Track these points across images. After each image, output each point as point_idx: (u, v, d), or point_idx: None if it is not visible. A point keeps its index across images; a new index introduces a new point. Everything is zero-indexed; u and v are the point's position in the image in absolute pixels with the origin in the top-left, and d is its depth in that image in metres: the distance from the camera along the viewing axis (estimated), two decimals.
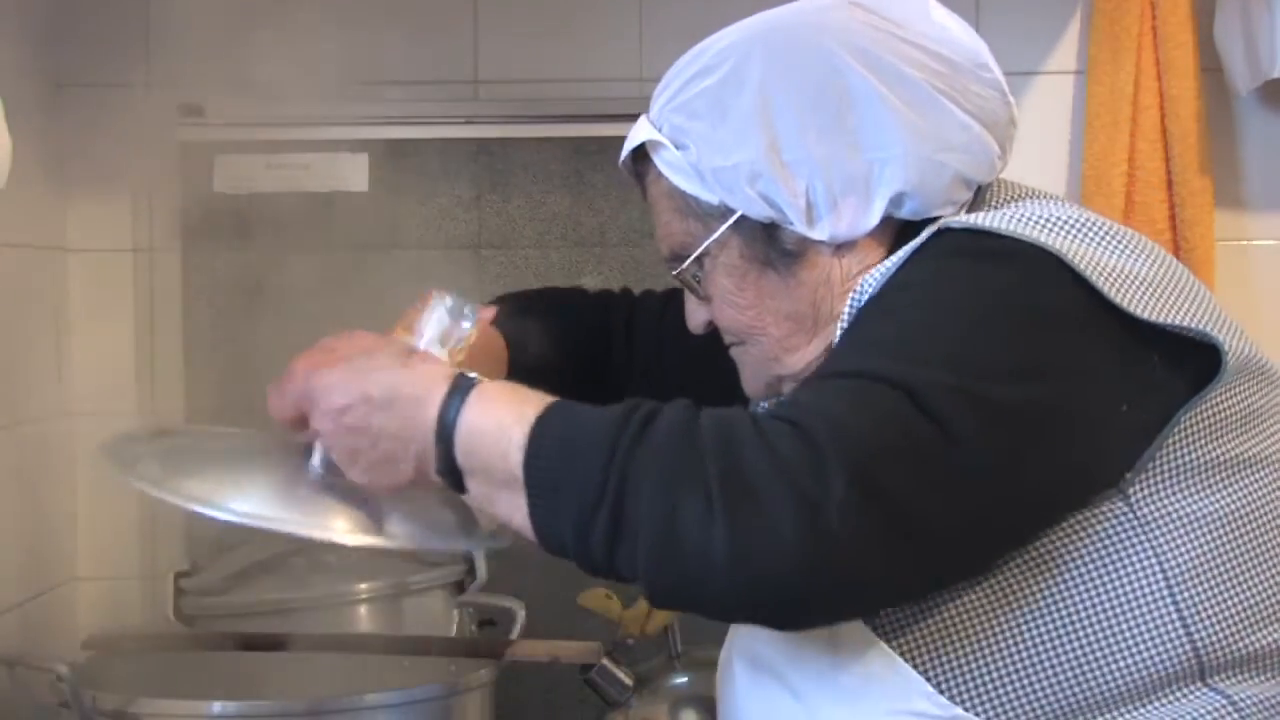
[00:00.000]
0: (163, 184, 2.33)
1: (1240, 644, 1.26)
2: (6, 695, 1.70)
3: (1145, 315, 1.24)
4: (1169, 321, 1.24)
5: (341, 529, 1.37)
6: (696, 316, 1.50)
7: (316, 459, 1.39)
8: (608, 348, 1.76)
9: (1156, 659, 1.24)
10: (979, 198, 1.41)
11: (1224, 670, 1.26)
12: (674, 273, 1.47)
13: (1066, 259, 1.23)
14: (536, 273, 2.32)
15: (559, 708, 2.17)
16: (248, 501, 1.45)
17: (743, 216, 1.40)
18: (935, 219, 1.36)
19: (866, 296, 1.30)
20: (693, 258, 1.44)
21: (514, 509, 1.23)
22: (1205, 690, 1.26)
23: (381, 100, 2.34)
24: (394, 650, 1.87)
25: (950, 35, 1.39)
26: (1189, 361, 1.26)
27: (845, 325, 1.31)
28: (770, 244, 1.40)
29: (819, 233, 1.38)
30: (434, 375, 1.30)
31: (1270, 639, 1.27)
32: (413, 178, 2.32)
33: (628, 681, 2.01)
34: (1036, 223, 1.27)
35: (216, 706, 1.62)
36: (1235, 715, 1.25)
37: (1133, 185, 2.24)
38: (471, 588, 2.09)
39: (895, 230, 1.39)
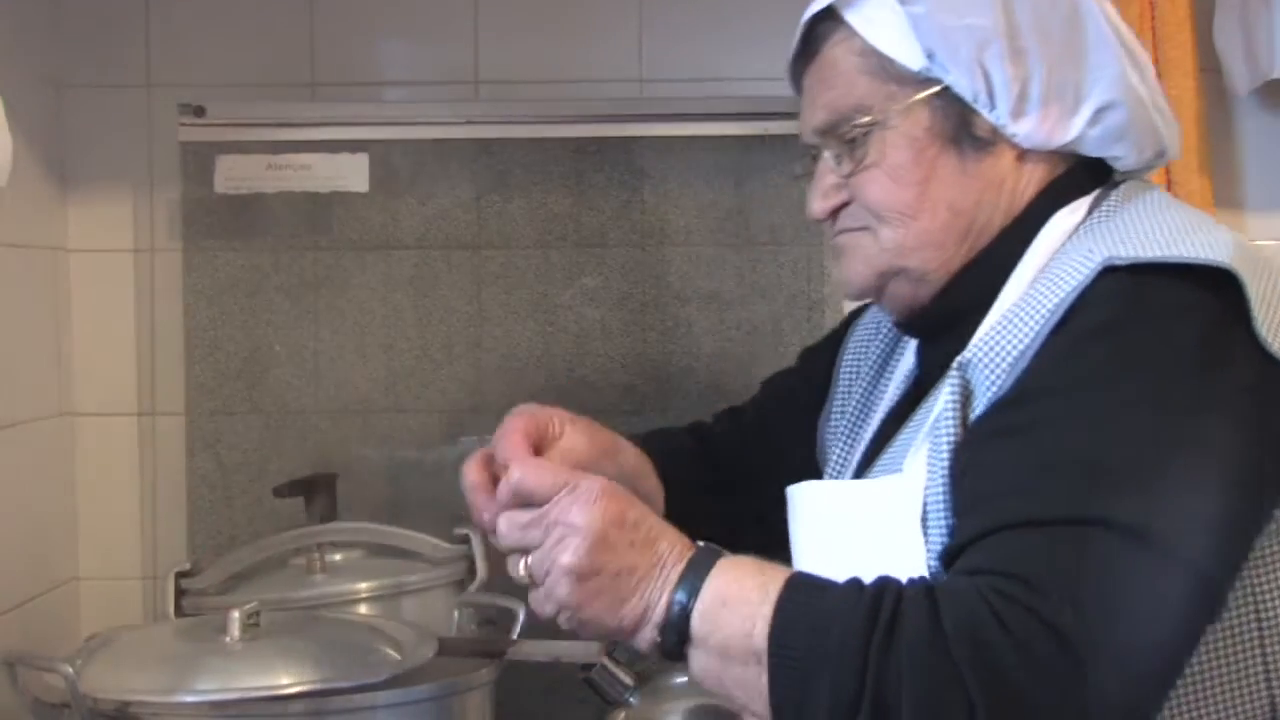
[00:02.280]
0: (164, 184, 2.33)
1: None
2: (8, 694, 1.69)
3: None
4: None
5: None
6: (831, 199, 1.44)
7: (522, 568, 1.33)
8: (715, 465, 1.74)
9: (1237, 705, 1.23)
10: (1106, 194, 1.38)
11: None
12: (833, 134, 1.41)
13: (1246, 294, 1.21)
14: (537, 273, 2.32)
15: (559, 707, 2.16)
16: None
17: (944, 89, 1.37)
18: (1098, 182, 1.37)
19: (1031, 331, 1.25)
20: (865, 120, 1.38)
21: (745, 684, 1.22)
22: None
23: (382, 101, 2.34)
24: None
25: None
26: None
27: (1005, 364, 1.26)
28: (963, 124, 1.37)
29: (1020, 126, 1.36)
30: (683, 538, 1.29)
31: None
32: (413, 178, 2.32)
33: (628, 681, 2.00)
34: (1200, 236, 1.26)
35: (214, 701, 1.61)
36: None
37: None
38: (472, 587, 2.08)
39: (1063, 170, 1.39)
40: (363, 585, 2.04)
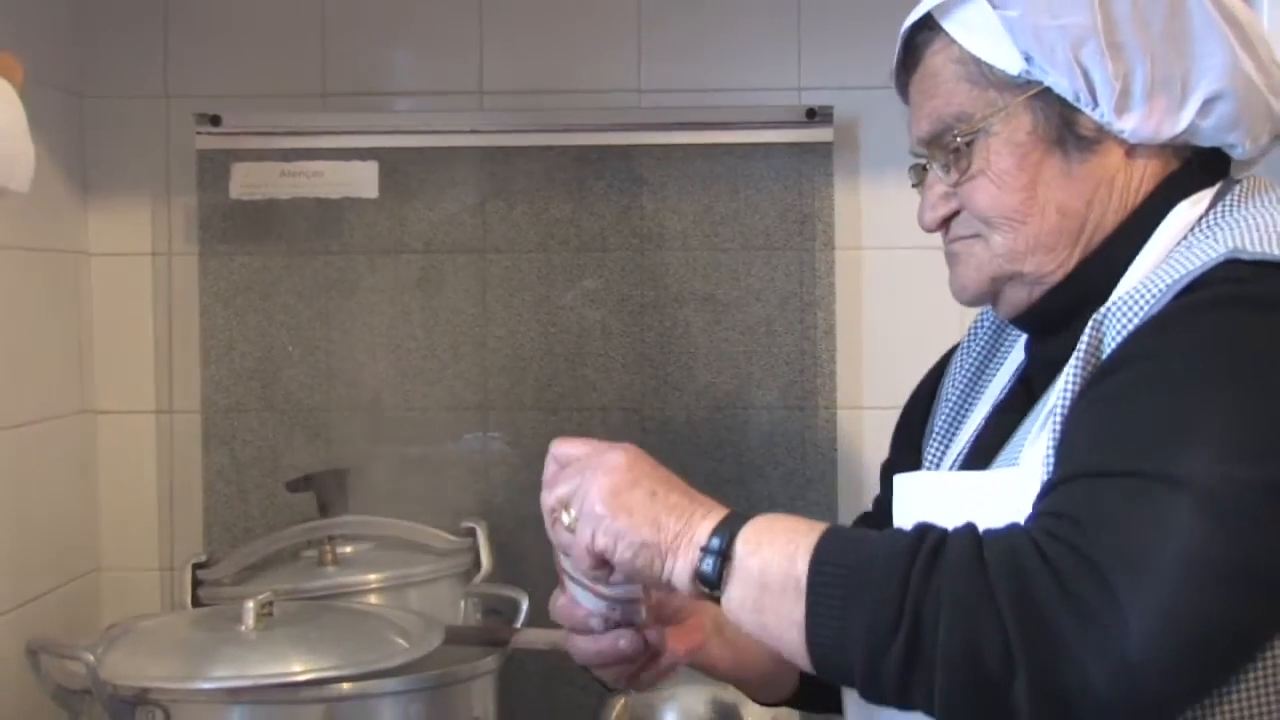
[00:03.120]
0: (181, 190, 2.33)
1: None
2: (32, 681, 1.70)
3: None
4: None
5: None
6: (940, 209, 1.40)
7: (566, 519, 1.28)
8: None
9: None
10: (1230, 186, 1.34)
11: None
12: (939, 143, 1.37)
13: None
14: (539, 276, 2.32)
15: (561, 694, 2.17)
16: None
17: (1044, 91, 1.32)
18: (1216, 173, 1.33)
19: (1148, 305, 1.21)
20: (969, 128, 1.34)
21: (781, 614, 1.17)
22: None
23: (391, 110, 2.35)
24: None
25: (1250, 15, 1.36)
26: None
27: (1116, 338, 1.22)
28: (1065, 125, 1.32)
29: (1126, 122, 1.31)
30: (707, 499, 1.25)
31: None
32: (421, 184, 2.32)
33: None
34: None
35: (230, 688, 1.62)
36: None
37: None
38: (477, 578, 2.09)
39: (1178, 165, 1.34)
40: (372, 576, 2.05)
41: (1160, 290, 1.21)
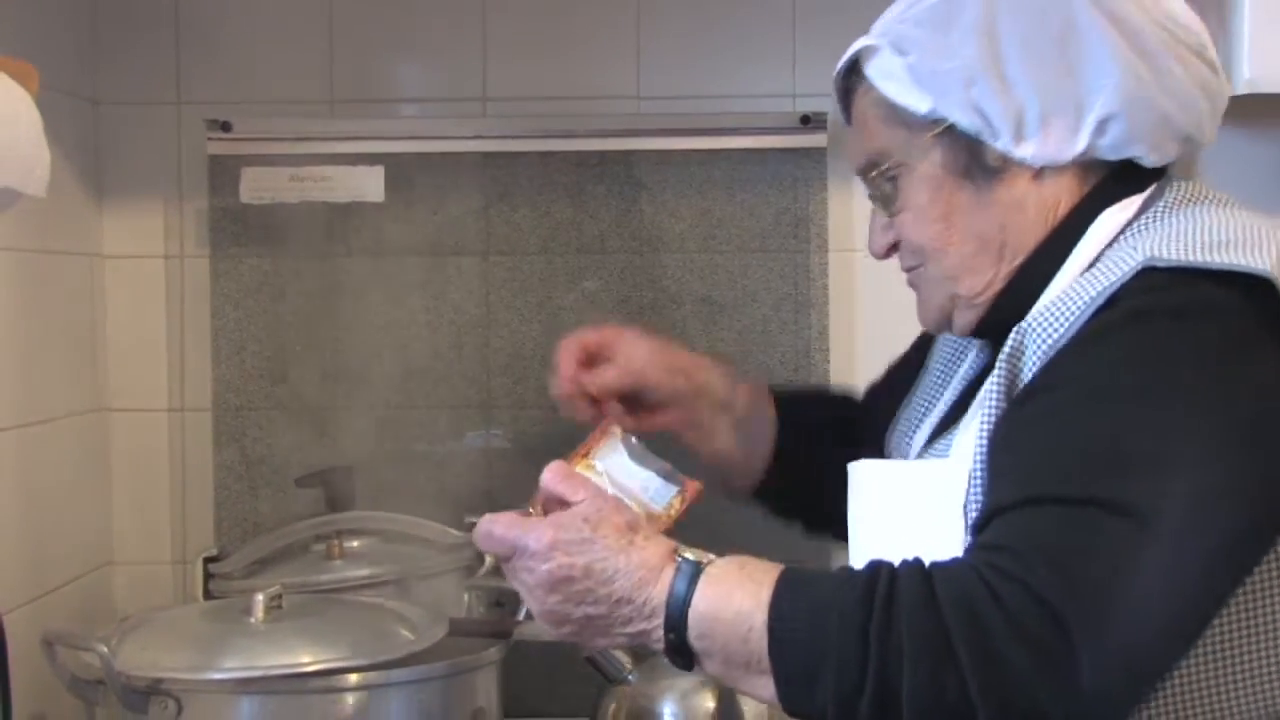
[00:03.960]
0: (192, 194, 2.33)
1: None
2: (47, 672, 1.70)
3: None
4: None
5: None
6: (880, 240, 1.46)
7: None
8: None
9: (1243, 706, 1.21)
10: (1160, 192, 1.37)
11: None
12: (868, 178, 1.44)
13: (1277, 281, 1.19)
14: (541, 278, 2.33)
15: (563, 685, 2.17)
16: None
17: (949, 128, 1.37)
18: (1131, 182, 1.34)
19: (1069, 321, 1.24)
20: (891, 164, 1.40)
21: (760, 688, 1.21)
22: None
23: (397, 117, 2.35)
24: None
25: (1180, 18, 1.37)
26: None
27: (1037, 350, 1.25)
28: (972, 158, 1.37)
29: (1024, 150, 1.35)
30: (659, 556, 1.25)
31: None
32: (425, 189, 2.32)
33: (627, 660, 2.02)
34: (1247, 245, 1.23)
35: (241, 681, 1.62)
36: None
37: None
38: (481, 572, 2.09)
39: (1089, 181, 1.36)
40: (378, 570, 2.05)
41: (1081, 305, 1.24)
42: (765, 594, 1.20)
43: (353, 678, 1.66)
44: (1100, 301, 1.23)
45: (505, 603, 2.02)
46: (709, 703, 1.98)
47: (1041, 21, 1.34)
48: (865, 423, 1.70)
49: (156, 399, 2.34)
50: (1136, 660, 1.14)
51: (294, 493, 2.23)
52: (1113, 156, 1.36)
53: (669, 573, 1.24)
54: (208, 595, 2.10)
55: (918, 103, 1.37)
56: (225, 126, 2.28)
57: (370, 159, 2.30)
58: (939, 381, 1.56)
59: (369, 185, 2.30)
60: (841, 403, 1.83)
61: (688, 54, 2.31)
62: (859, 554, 1.38)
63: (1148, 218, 1.35)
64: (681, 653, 1.24)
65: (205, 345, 2.33)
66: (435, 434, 2.33)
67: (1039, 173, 1.36)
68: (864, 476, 1.43)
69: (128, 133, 2.32)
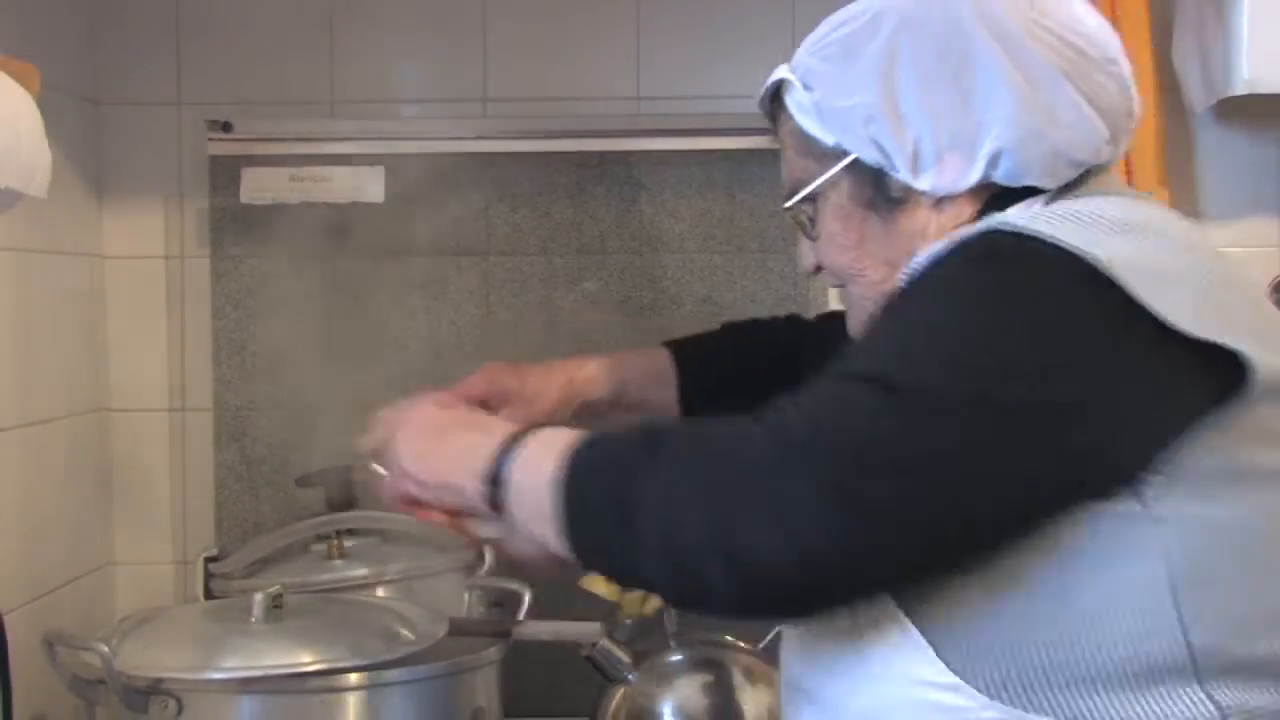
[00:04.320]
0: (193, 195, 2.34)
1: (1237, 652, 1.21)
2: (48, 672, 1.70)
3: (1178, 323, 1.19)
4: (1202, 335, 1.19)
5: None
6: (807, 259, 1.49)
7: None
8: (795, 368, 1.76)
9: (1151, 654, 1.20)
10: (1078, 183, 1.37)
11: (1218, 676, 1.21)
12: (786, 208, 1.47)
13: (1102, 266, 1.19)
14: (541, 278, 2.33)
15: (562, 684, 2.17)
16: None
17: (856, 160, 1.39)
18: (1034, 192, 1.34)
19: (912, 276, 1.28)
20: (805, 194, 1.43)
21: (548, 535, 1.28)
22: (1197, 693, 1.21)
23: (397, 117, 2.35)
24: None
25: (1086, 28, 1.37)
26: (1221, 369, 1.20)
27: (885, 304, 1.31)
28: (876, 189, 1.39)
29: (922, 183, 1.36)
30: (502, 427, 1.37)
31: (1266, 649, 1.22)
32: (426, 189, 2.32)
33: (626, 660, 2.01)
34: (1087, 221, 1.24)
35: (242, 681, 1.62)
36: None
37: None
38: (481, 571, 2.09)
39: (988, 199, 1.37)
40: (378, 570, 2.04)
41: (931, 254, 1.28)
42: (568, 447, 1.28)
43: (353, 678, 1.66)
44: (945, 250, 1.27)
45: (505, 602, 2.02)
46: (709, 702, 1.98)
47: (939, 54, 1.35)
48: (809, 342, 1.76)
49: (157, 399, 2.35)
50: (866, 516, 1.15)
51: (294, 492, 2.23)
52: (1010, 183, 1.37)
53: (507, 436, 1.34)
54: (208, 595, 2.09)
55: (826, 135, 1.40)
56: (226, 127, 2.27)
57: (370, 159, 2.30)
58: None
59: (369, 186, 2.30)
60: (767, 337, 1.85)
61: (688, 54, 2.31)
62: None
63: (1038, 209, 1.34)
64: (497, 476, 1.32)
65: (206, 345, 2.33)
66: None
67: (938, 202, 1.38)
68: None
69: (129, 133, 2.32)
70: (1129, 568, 1.21)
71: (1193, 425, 1.20)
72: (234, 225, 2.32)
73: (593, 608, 2.08)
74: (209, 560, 2.13)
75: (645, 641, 2.08)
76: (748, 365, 1.80)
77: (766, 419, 1.20)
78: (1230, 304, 1.25)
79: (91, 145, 2.30)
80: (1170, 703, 1.21)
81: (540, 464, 1.28)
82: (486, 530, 1.38)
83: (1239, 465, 1.22)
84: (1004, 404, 1.17)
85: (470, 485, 1.34)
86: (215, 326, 2.33)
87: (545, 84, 2.32)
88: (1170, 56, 2.25)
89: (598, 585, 2.09)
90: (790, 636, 1.38)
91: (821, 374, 1.25)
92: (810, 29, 1.47)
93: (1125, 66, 1.39)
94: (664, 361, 1.80)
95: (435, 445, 1.42)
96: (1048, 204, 1.34)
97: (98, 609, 2.25)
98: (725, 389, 1.78)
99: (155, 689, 1.62)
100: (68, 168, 2.14)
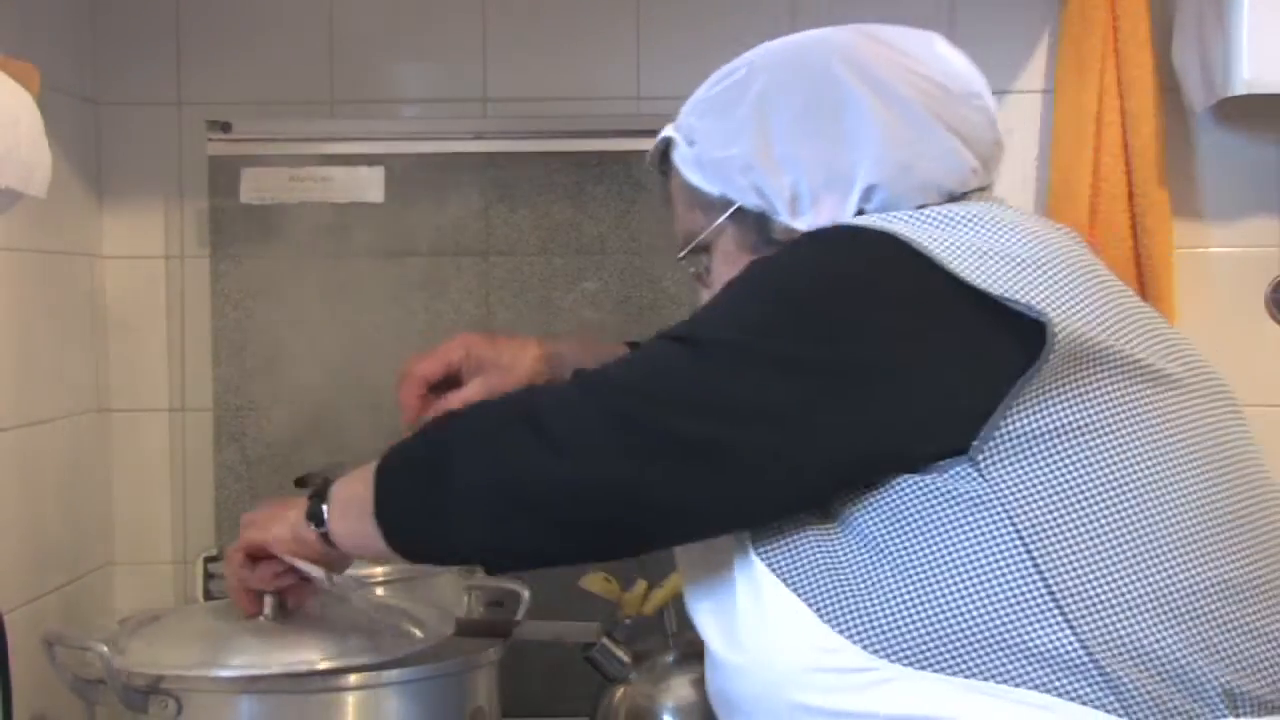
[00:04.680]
0: (193, 195, 2.33)
1: (1124, 631, 1.21)
2: (48, 672, 1.70)
3: (982, 286, 1.25)
4: (1005, 295, 1.25)
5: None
6: (704, 300, 1.50)
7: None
8: None
9: (1025, 627, 1.22)
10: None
11: (1110, 654, 1.21)
12: (680, 259, 1.52)
13: (905, 237, 1.27)
14: (541, 278, 2.33)
15: (562, 684, 2.17)
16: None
17: (739, 208, 1.44)
18: None
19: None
20: (695, 245, 1.48)
21: (361, 520, 1.43)
22: (1090, 667, 1.21)
23: (397, 117, 2.35)
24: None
25: (951, 67, 1.44)
26: (1030, 336, 1.25)
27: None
28: (760, 233, 1.44)
29: (802, 224, 1.41)
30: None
31: (1159, 636, 1.22)
32: (426, 189, 2.32)
33: (626, 659, 2.01)
34: (921, 217, 1.32)
35: (241, 680, 1.62)
36: (1116, 703, 1.20)
37: (1096, 197, 2.24)
38: (480, 571, 2.09)
39: None
40: (379, 570, 2.04)
41: None
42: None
43: (353, 677, 1.66)
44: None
45: (505, 602, 2.01)
46: (707, 703, 1.98)
47: (811, 101, 1.41)
48: None
49: (157, 399, 2.34)
50: (639, 446, 1.26)
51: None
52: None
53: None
54: (208, 595, 2.09)
55: (709, 187, 1.46)
56: (225, 127, 2.27)
57: (370, 159, 2.29)
58: None
59: (369, 186, 2.30)
60: None
61: (687, 54, 2.30)
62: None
63: None
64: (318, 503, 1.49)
65: (205, 345, 2.33)
66: None
67: None
68: None
69: (128, 133, 2.32)
70: (979, 537, 1.24)
71: (1009, 388, 1.24)
72: (234, 225, 2.31)
73: (592, 607, 2.08)
74: (209, 560, 2.12)
75: (645, 641, 2.07)
76: None
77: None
78: (1041, 269, 1.29)
79: (91, 145, 2.29)
80: (1063, 681, 1.21)
81: (359, 474, 1.43)
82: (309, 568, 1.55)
83: (1054, 424, 1.25)
84: (798, 358, 1.25)
85: (294, 513, 1.52)
86: (215, 326, 2.32)
87: (545, 84, 2.32)
88: (1170, 57, 2.25)
89: (598, 585, 2.09)
90: (699, 612, 1.41)
91: None
92: (812, 28, 1.48)
93: (990, 101, 1.45)
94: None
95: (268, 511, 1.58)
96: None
97: (97, 608, 2.25)
98: None
99: (155, 688, 1.61)
100: (67, 168, 2.14)
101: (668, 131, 1.52)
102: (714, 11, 2.32)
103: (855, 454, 1.27)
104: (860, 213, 1.39)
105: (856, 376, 1.25)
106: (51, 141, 1.67)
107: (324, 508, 1.48)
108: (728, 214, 1.45)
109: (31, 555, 2.03)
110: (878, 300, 1.28)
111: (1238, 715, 1.22)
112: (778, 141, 1.41)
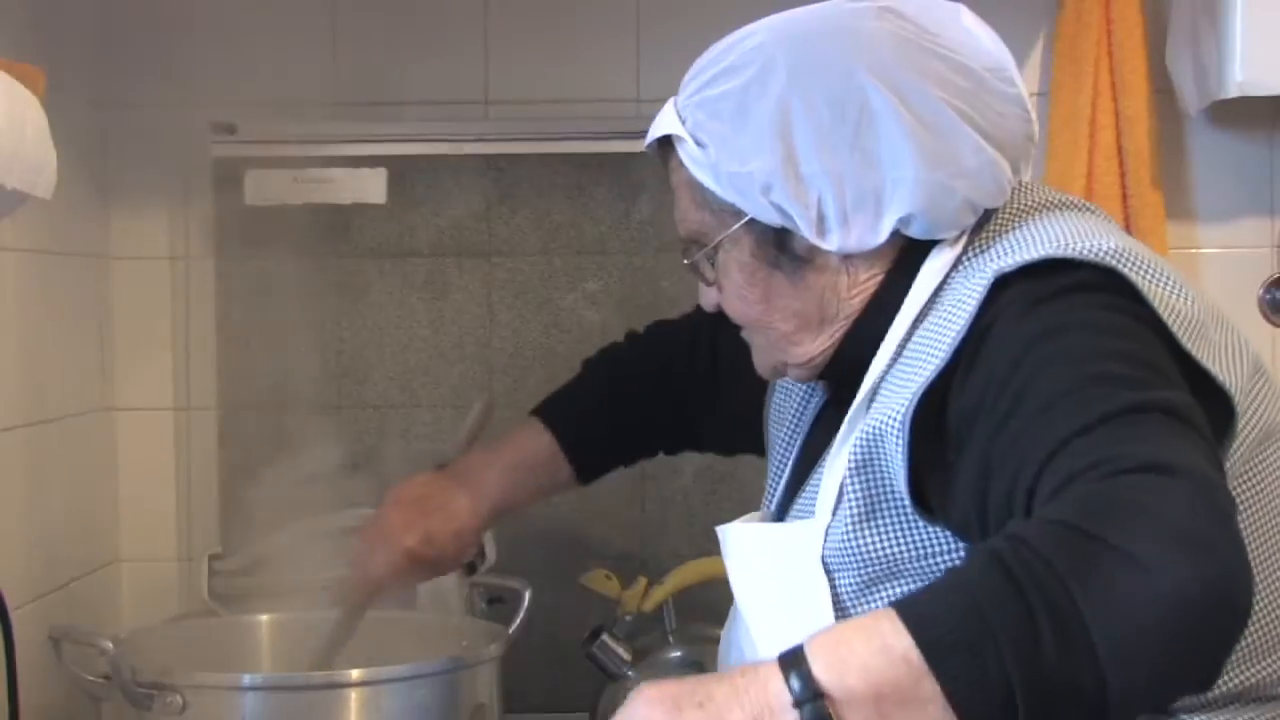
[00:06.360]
0: (197, 197, 2.33)
1: (1233, 679, 1.21)
2: (54, 668, 1.70)
3: (1196, 354, 1.21)
4: (1213, 369, 1.21)
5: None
6: (708, 298, 1.44)
7: None
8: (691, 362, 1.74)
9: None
10: (980, 225, 1.34)
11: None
12: (686, 260, 1.43)
13: (1140, 290, 1.21)
14: (542, 278, 2.32)
15: (563, 681, 2.17)
16: None
17: (754, 220, 1.34)
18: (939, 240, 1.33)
19: (943, 357, 1.22)
20: (707, 246, 1.39)
21: (914, 706, 1.03)
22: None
23: (399, 119, 2.34)
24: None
25: (979, 44, 1.33)
26: (1209, 406, 1.19)
27: (893, 395, 1.25)
28: (780, 248, 1.34)
29: (828, 244, 1.32)
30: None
31: (1261, 674, 1.22)
32: (428, 191, 2.32)
33: (626, 656, 2.01)
34: (1091, 252, 1.23)
35: (245, 678, 1.62)
36: None
37: (1091, 198, 2.23)
38: (482, 569, 2.09)
39: (902, 245, 1.34)
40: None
41: (947, 344, 1.22)
42: (880, 616, 1.07)
43: (354, 674, 1.66)
44: (967, 328, 1.21)
45: (506, 599, 2.01)
46: None
47: (836, 112, 1.30)
48: (676, 351, 1.74)
49: (162, 398, 2.34)
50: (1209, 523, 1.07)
51: (297, 492, 2.22)
52: (920, 237, 1.33)
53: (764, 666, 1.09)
54: (212, 592, 2.09)
55: (724, 195, 1.35)
56: (230, 129, 2.27)
57: (373, 161, 2.29)
58: (789, 435, 1.53)
59: (372, 187, 2.30)
60: (631, 362, 1.78)
61: (688, 56, 2.28)
62: (744, 608, 1.41)
63: (977, 247, 1.32)
64: (814, 700, 1.05)
65: (210, 345, 2.33)
66: (437, 432, 2.31)
67: (847, 257, 1.34)
68: (735, 539, 1.44)
69: (133, 135, 2.31)
70: None
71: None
72: (238, 227, 2.31)
73: (593, 604, 2.08)
74: (213, 558, 2.12)
75: (645, 638, 2.08)
76: (625, 401, 1.74)
77: (1132, 463, 1.08)
78: (1223, 338, 1.29)
79: (97, 148, 2.29)
80: None
81: (867, 652, 1.04)
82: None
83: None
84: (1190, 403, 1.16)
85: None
86: (219, 326, 2.32)
87: (546, 85, 2.32)
88: (1164, 60, 2.25)
89: (598, 582, 2.09)
90: (748, 635, 1.36)
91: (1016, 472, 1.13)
92: None
93: (1021, 84, 1.35)
94: (537, 440, 1.73)
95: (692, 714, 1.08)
96: (983, 232, 1.33)
97: (103, 606, 2.24)
98: (614, 435, 1.74)
99: (160, 685, 1.61)
100: (73, 170, 2.12)
101: (672, 126, 1.38)
102: (714, 13, 2.30)
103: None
104: (895, 234, 1.31)
105: (1193, 409, 1.17)
106: (57, 143, 1.66)
107: (821, 703, 1.05)
108: (742, 223, 1.35)
109: (38, 552, 2.02)
110: (1159, 340, 1.22)
111: None
112: (803, 156, 1.30)
